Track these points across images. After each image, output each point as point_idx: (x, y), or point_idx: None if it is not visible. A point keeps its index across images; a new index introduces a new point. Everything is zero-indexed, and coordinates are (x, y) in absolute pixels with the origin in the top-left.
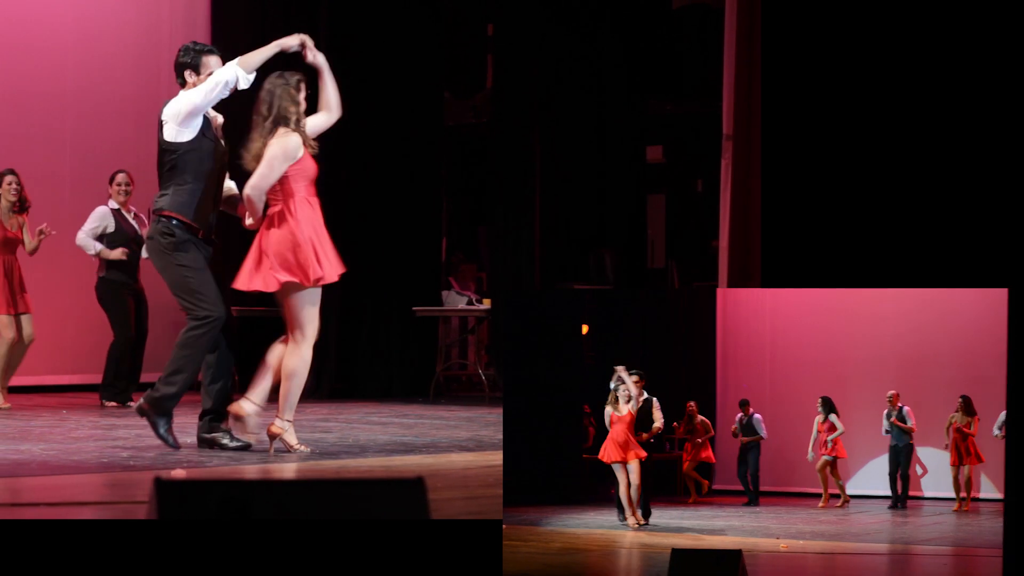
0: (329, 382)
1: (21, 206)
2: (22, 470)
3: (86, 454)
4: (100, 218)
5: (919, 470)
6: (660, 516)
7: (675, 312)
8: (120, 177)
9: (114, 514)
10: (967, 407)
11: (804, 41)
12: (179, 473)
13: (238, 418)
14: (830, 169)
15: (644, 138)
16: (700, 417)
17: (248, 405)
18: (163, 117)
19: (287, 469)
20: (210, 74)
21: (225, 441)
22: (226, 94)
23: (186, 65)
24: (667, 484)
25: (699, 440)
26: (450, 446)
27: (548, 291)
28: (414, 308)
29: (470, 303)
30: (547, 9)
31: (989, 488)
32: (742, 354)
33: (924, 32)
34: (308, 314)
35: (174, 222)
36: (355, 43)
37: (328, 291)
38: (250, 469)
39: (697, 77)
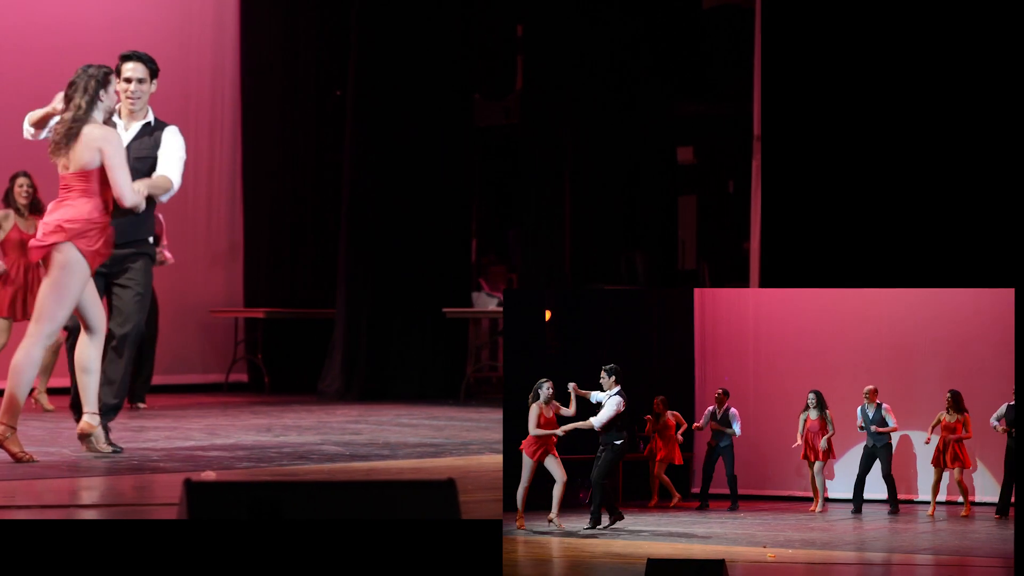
0: (360, 384)
1: (34, 208)
2: (51, 472)
3: (116, 456)
4: None
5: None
6: (635, 522)
7: (652, 307)
8: None
9: (144, 516)
10: (956, 403)
11: (803, 43)
12: (209, 475)
13: (86, 436)
14: (837, 170)
15: (675, 139)
16: (669, 412)
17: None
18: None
19: (318, 471)
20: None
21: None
22: None
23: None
24: (642, 487)
25: (670, 436)
26: (481, 448)
27: (547, 291)
28: (444, 310)
29: (500, 305)
30: (577, 10)
31: (990, 490)
32: (723, 346)
33: (927, 33)
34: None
35: None
36: (385, 45)
37: (359, 293)
38: (280, 470)
39: (728, 78)
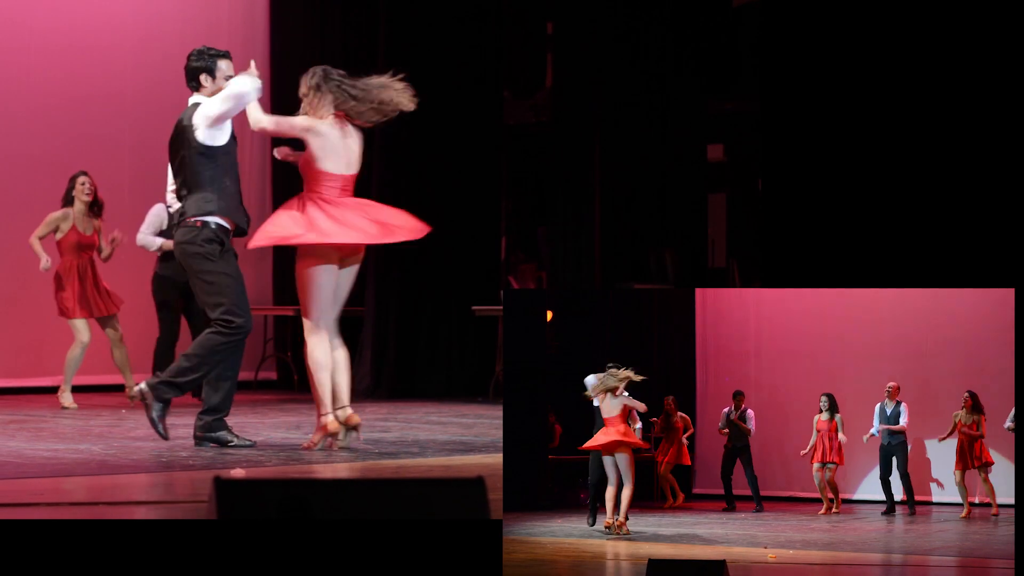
0: (388, 382)
1: (95, 208)
2: (81, 469)
3: (145, 453)
4: (156, 216)
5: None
6: (637, 523)
7: (653, 308)
8: None
9: (173, 514)
10: (974, 404)
11: (803, 44)
12: (239, 473)
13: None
14: (838, 170)
15: (705, 137)
16: (679, 414)
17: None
18: (193, 122)
19: (347, 469)
20: (226, 78)
21: (231, 439)
22: (243, 107)
23: (201, 69)
24: (644, 488)
25: (679, 438)
26: None
27: (547, 291)
28: (473, 307)
29: None
30: (607, 7)
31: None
32: (724, 347)
33: (930, 33)
34: None
35: (214, 226)
36: (414, 42)
37: (388, 291)
38: (309, 468)
39: (758, 75)
